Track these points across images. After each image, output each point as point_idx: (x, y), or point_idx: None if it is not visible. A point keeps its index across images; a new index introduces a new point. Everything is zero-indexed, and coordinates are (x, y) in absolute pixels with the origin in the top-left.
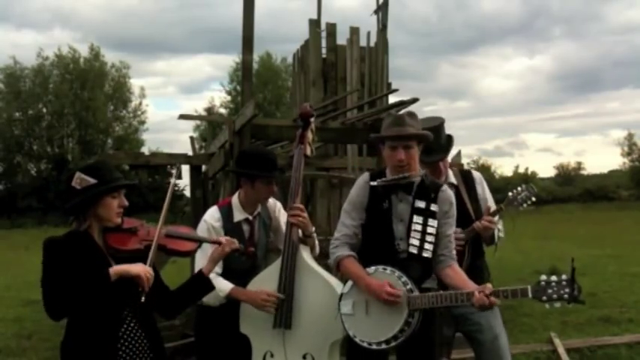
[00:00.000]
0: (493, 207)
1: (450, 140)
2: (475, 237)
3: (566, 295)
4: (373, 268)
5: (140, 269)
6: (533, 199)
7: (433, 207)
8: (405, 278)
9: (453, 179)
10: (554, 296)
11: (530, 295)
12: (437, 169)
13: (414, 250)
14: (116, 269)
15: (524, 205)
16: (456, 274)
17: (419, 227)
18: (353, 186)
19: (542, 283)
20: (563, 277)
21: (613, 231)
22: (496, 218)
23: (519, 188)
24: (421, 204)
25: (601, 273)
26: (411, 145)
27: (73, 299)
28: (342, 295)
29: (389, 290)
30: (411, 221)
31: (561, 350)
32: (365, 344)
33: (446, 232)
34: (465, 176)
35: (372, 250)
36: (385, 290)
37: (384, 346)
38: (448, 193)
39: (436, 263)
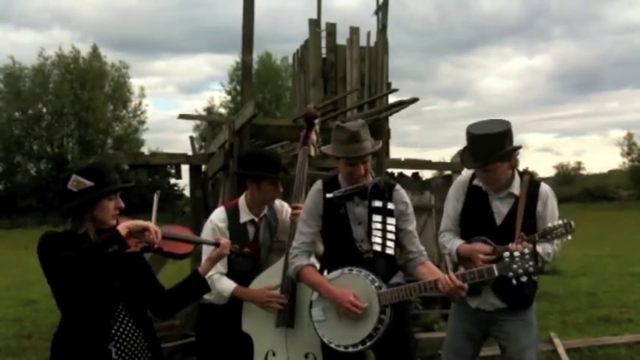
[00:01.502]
0: (550, 225)
1: (487, 154)
2: None
3: (531, 269)
4: (339, 271)
5: (148, 222)
6: (569, 237)
7: (389, 205)
8: (372, 277)
9: (516, 190)
10: (520, 271)
11: (496, 273)
12: (483, 175)
13: (377, 248)
14: (125, 223)
15: (558, 241)
16: (429, 270)
17: (379, 225)
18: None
19: (506, 259)
20: (526, 250)
21: (613, 231)
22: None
23: (559, 222)
24: (378, 203)
25: (601, 273)
26: (368, 159)
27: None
28: (311, 302)
29: (352, 301)
30: (370, 221)
31: (561, 350)
32: (341, 349)
33: (407, 227)
34: (531, 188)
35: (336, 255)
36: (348, 300)
37: (360, 347)
38: (401, 192)
39: (407, 261)
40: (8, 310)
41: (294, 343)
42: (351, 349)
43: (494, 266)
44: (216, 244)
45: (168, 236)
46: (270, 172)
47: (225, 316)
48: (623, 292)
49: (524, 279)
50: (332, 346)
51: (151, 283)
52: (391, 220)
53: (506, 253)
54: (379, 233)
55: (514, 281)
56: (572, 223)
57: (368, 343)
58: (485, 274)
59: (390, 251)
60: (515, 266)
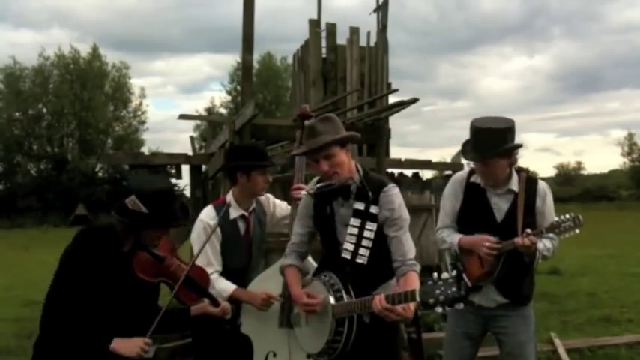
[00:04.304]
0: (551, 220)
1: (488, 148)
2: (514, 250)
3: (451, 295)
4: (310, 276)
5: (135, 349)
6: (577, 231)
7: (373, 209)
8: (338, 285)
9: (514, 187)
10: (442, 297)
11: (417, 297)
12: (481, 169)
13: (347, 255)
14: (114, 346)
15: (566, 235)
16: (405, 283)
17: (355, 230)
18: None
19: (430, 282)
20: (452, 273)
21: (613, 231)
22: (552, 236)
23: (567, 216)
24: (360, 206)
25: (601, 273)
26: (330, 153)
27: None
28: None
29: (304, 301)
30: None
31: (561, 350)
32: (313, 357)
33: (390, 233)
34: (530, 185)
35: (324, 257)
36: (301, 302)
37: (325, 357)
38: (390, 195)
39: (394, 269)
40: (9, 310)
41: (296, 344)
42: (318, 359)
43: (416, 290)
44: (217, 305)
45: (190, 282)
46: (259, 160)
47: (222, 317)
48: (623, 292)
49: (448, 308)
50: (306, 352)
51: (151, 309)
52: (371, 226)
53: (435, 275)
54: (353, 239)
55: (439, 309)
56: (580, 217)
57: (332, 354)
58: (409, 297)
59: (361, 260)
60: (437, 291)
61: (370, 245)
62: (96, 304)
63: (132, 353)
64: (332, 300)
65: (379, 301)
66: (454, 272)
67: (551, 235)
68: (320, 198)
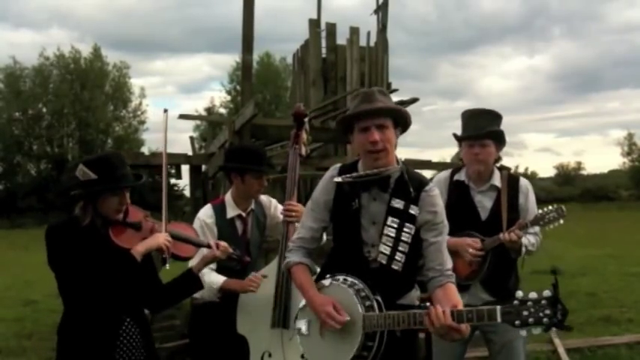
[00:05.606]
0: (542, 211)
1: (486, 126)
2: (500, 247)
3: (545, 319)
4: (329, 280)
5: (160, 241)
6: (561, 221)
7: (412, 209)
8: (365, 293)
9: (497, 182)
10: (531, 320)
11: (499, 318)
12: (477, 150)
13: (383, 260)
14: (139, 249)
15: (551, 226)
16: (445, 295)
17: (392, 232)
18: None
19: (516, 302)
20: (545, 294)
21: (613, 231)
22: (536, 229)
23: (550, 207)
24: (399, 204)
25: (601, 273)
26: (385, 124)
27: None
28: (298, 311)
29: (329, 311)
30: (385, 224)
31: (561, 350)
32: None
33: (429, 238)
34: (512, 182)
35: (339, 258)
36: (325, 311)
37: None
38: (433, 196)
39: (427, 280)
40: (8, 310)
41: (290, 344)
42: None
43: (497, 309)
44: (214, 247)
45: (174, 235)
46: (254, 164)
47: (219, 317)
48: (623, 292)
49: (536, 331)
50: None
51: (151, 277)
52: (409, 228)
53: (519, 294)
54: (390, 242)
55: (524, 332)
56: (564, 208)
57: None
58: (485, 317)
59: (396, 267)
60: (526, 313)
61: (406, 250)
62: (92, 280)
63: (158, 245)
64: (361, 310)
65: (442, 316)
66: (547, 292)
67: (535, 229)
68: (352, 187)
